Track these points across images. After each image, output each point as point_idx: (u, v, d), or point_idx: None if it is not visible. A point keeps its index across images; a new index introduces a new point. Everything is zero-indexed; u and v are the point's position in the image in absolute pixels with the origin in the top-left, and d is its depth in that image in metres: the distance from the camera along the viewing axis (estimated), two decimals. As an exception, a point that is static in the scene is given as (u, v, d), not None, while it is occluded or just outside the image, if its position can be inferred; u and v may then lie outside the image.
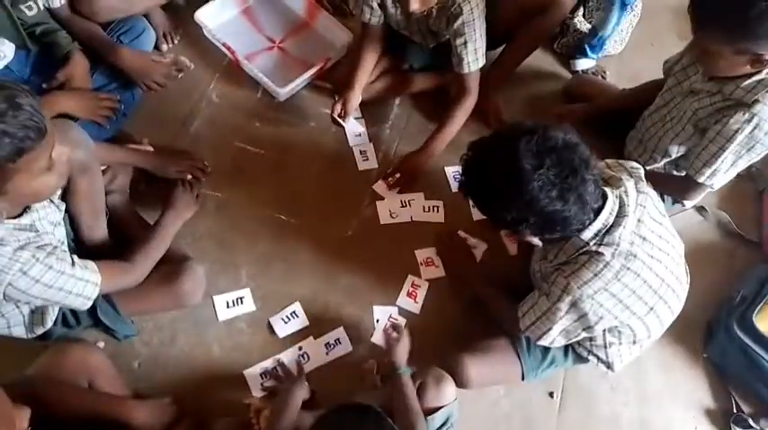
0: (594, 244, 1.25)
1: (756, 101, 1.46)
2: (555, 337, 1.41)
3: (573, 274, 1.27)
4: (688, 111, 1.62)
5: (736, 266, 1.98)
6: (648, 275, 1.29)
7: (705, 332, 1.86)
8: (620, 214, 1.25)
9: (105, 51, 1.81)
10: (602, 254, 1.24)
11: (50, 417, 1.22)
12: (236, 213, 1.87)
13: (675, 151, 1.73)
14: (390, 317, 1.76)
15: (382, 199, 1.94)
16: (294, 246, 1.84)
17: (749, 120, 1.48)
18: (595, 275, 1.25)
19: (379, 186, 1.96)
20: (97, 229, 1.56)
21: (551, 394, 1.74)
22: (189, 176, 1.78)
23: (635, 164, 1.41)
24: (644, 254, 1.28)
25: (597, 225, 1.24)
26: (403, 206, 1.94)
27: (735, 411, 1.76)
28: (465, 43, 1.81)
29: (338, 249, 1.85)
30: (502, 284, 1.69)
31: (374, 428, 1.01)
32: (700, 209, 2.00)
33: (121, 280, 1.45)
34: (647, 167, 1.81)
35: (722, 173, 1.61)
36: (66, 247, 1.38)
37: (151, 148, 1.83)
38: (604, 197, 1.25)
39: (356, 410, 1.07)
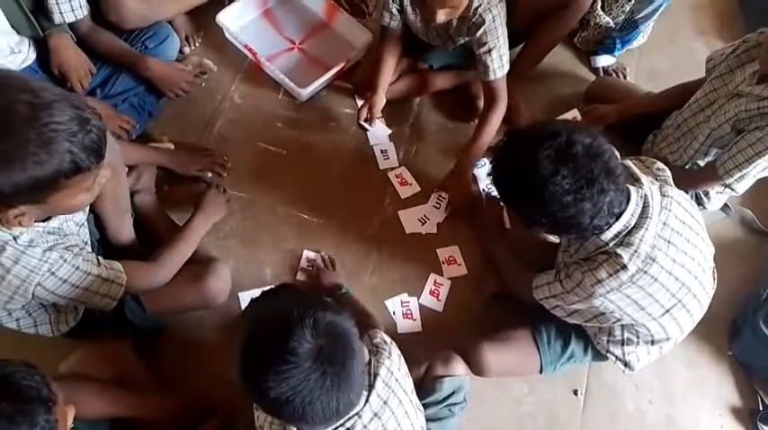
0: (614, 244, 1.25)
1: None
2: (567, 315, 1.43)
3: (589, 272, 1.28)
4: (729, 113, 1.61)
5: (762, 263, 1.97)
6: (667, 280, 1.28)
7: (730, 329, 1.85)
8: (643, 215, 1.24)
9: (131, 62, 1.85)
10: (621, 256, 1.24)
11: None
12: (259, 212, 1.89)
13: (705, 154, 1.73)
14: (402, 303, 1.79)
15: (403, 208, 1.95)
16: (317, 245, 1.85)
17: None
18: (610, 276, 1.26)
19: (404, 215, 1.94)
20: (123, 230, 1.58)
21: (576, 392, 1.73)
22: (209, 174, 1.84)
23: (661, 165, 1.41)
24: (665, 258, 1.27)
25: (618, 226, 1.23)
26: (423, 223, 1.93)
27: (761, 409, 1.75)
28: (489, 51, 1.79)
29: (361, 248, 1.87)
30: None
31: (287, 297, 1.08)
32: (723, 206, 1.99)
33: (147, 280, 1.47)
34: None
35: (749, 177, 1.63)
36: (90, 248, 1.40)
37: (172, 146, 1.86)
38: (628, 198, 1.24)
39: (271, 291, 1.14)
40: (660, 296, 1.30)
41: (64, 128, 1.01)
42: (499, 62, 1.83)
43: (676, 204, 1.32)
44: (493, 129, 1.91)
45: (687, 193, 1.81)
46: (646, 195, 1.26)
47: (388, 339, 1.25)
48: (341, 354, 0.98)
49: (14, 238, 1.15)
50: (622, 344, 1.49)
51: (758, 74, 1.56)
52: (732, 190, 1.69)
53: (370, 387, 1.10)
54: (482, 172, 1.99)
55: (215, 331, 1.70)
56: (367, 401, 1.08)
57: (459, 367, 1.51)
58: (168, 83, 1.91)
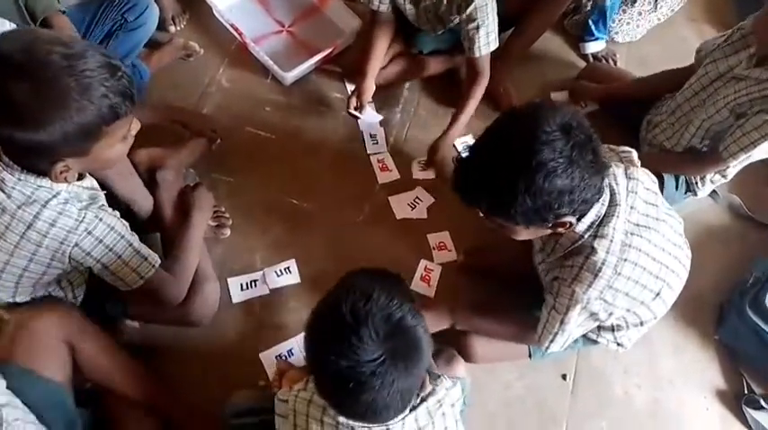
0: (589, 236, 1.23)
1: None
2: (573, 338, 1.42)
3: (574, 281, 1.25)
4: (729, 97, 1.62)
5: (748, 249, 1.98)
6: (647, 262, 1.26)
7: (717, 314, 1.87)
8: (612, 203, 1.23)
9: None
10: (596, 250, 1.21)
11: None
12: (248, 198, 1.87)
13: (702, 138, 1.73)
14: None
15: (393, 193, 1.94)
16: (307, 231, 1.84)
17: None
18: (596, 276, 1.23)
19: (394, 200, 1.93)
20: (137, 192, 1.58)
21: (564, 376, 1.74)
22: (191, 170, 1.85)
23: (627, 148, 1.39)
24: (639, 240, 1.25)
25: (590, 216, 1.21)
26: (413, 208, 1.92)
27: (746, 392, 1.77)
28: (477, 27, 1.80)
29: (351, 234, 1.85)
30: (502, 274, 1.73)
31: (395, 286, 1.04)
32: (711, 192, 2.00)
33: (170, 290, 1.44)
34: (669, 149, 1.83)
35: (751, 159, 1.64)
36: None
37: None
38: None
39: (377, 271, 1.10)
40: (646, 281, 1.28)
41: (97, 74, 1.05)
42: (486, 39, 1.83)
43: (641, 185, 1.31)
44: (476, 101, 1.94)
45: (678, 179, 1.83)
46: (610, 183, 1.24)
47: (456, 379, 1.21)
48: (410, 360, 0.98)
49: (55, 196, 1.17)
50: (612, 331, 1.49)
51: (755, 57, 1.57)
52: (723, 176, 1.71)
53: (413, 408, 1.07)
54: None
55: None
56: (402, 420, 1.06)
57: (458, 368, 1.51)
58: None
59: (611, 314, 1.32)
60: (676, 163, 1.82)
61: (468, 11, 1.77)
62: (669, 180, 1.84)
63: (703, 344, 1.84)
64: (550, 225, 1.19)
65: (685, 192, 1.89)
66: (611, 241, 1.22)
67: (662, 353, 1.81)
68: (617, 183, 1.25)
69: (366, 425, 1.03)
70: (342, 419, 1.04)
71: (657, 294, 1.33)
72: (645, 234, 1.27)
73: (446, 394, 1.14)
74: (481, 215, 1.24)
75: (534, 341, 1.46)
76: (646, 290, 1.30)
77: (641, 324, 1.46)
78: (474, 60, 1.89)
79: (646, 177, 1.35)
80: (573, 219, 1.18)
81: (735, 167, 1.73)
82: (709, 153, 1.73)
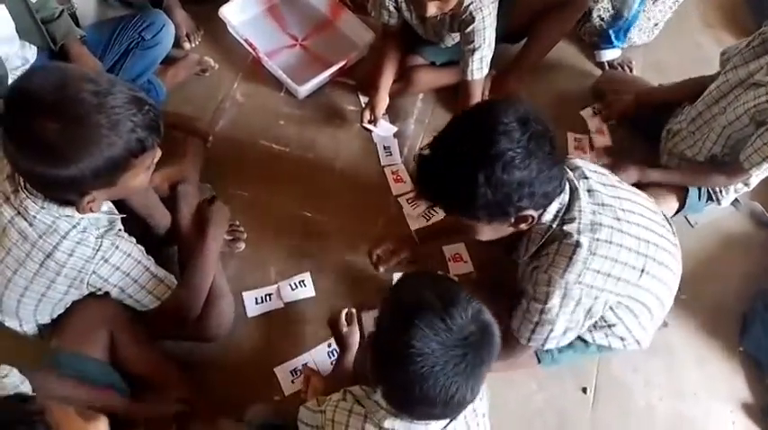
0: (558, 224, 1.23)
1: None
2: (559, 337, 1.36)
3: (550, 266, 1.23)
4: (748, 103, 1.60)
5: (771, 257, 1.94)
6: (623, 239, 1.25)
7: (740, 324, 1.82)
8: (573, 188, 1.24)
9: None
10: (569, 234, 1.21)
11: None
12: (263, 211, 1.87)
13: (723, 146, 1.71)
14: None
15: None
16: (322, 243, 1.84)
17: None
18: (571, 259, 1.21)
19: (409, 211, 1.92)
20: (152, 208, 1.61)
21: (584, 389, 1.71)
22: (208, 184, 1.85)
23: None
24: (609, 219, 1.24)
25: (554, 206, 1.21)
26: (427, 219, 1.91)
27: (773, 405, 1.73)
28: (473, 50, 1.82)
29: (366, 246, 1.83)
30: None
31: (447, 286, 1.05)
32: (733, 200, 1.96)
33: (183, 305, 1.46)
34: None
35: None
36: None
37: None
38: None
39: (428, 274, 1.12)
40: (625, 257, 1.26)
41: (125, 110, 1.07)
42: (479, 64, 1.85)
43: (588, 170, 1.31)
44: None
45: (700, 188, 1.80)
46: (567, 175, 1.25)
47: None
48: (485, 353, 0.98)
49: (74, 226, 1.19)
50: (621, 321, 1.42)
51: None
52: (746, 185, 1.68)
53: (453, 417, 1.07)
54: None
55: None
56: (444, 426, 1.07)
57: None
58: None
59: (596, 298, 1.27)
60: (701, 177, 1.80)
61: (467, 32, 1.79)
62: (692, 189, 1.82)
63: (727, 356, 1.80)
64: (512, 220, 1.19)
65: (707, 201, 1.86)
66: (580, 222, 1.22)
67: (684, 365, 1.77)
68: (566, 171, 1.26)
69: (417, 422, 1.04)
70: (387, 424, 1.04)
71: (642, 271, 1.30)
72: (610, 212, 1.26)
73: (479, 402, 1.14)
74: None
75: (519, 346, 1.41)
76: (627, 267, 1.27)
77: (649, 312, 1.41)
78: (467, 83, 1.90)
79: (589, 165, 1.35)
80: (534, 214, 1.19)
81: (758, 176, 1.71)
82: (731, 163, 1.71)
